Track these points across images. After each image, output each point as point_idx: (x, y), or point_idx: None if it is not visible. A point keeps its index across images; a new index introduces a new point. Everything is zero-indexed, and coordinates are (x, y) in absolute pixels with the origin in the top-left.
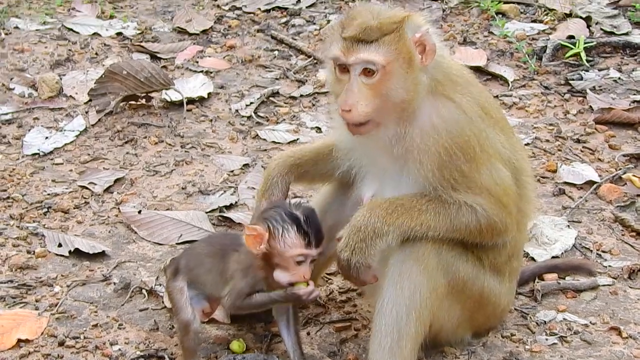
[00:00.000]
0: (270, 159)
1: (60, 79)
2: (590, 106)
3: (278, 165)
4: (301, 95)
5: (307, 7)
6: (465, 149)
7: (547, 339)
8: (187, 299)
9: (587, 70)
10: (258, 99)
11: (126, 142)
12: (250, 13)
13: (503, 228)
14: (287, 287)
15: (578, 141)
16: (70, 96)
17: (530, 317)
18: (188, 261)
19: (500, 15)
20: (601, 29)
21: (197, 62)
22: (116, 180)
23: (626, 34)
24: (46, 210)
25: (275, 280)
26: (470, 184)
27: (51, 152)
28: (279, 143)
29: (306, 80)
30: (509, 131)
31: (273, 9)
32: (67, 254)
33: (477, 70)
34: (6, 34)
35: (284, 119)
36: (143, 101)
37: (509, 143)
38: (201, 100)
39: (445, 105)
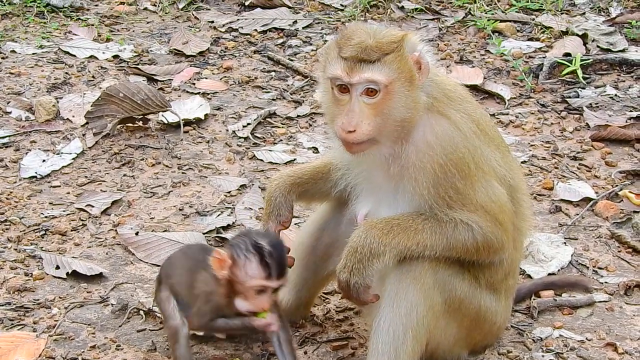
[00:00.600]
0: (269, 179)
1: (57, 102)
2: (587, 123)
3: (279, 185)
4: (298, 116)
5: (303, 28)
6: (460, 166)
7: (543, 356)
8: (175, 307)
9: (583, 88)
10: (255, 120)
11: (123, 164)
12: (246, 34)
13: (499, 245)
14: (247, 315)
15: (574, 158)
16: (67, 119)
17: (527, 334)
18: (166, 270)
19: (497, 34)
20: (597, 46)
21: (194, 83)
22: (113, 202)
23: (622, 50)
24: (44, 232)
25: (237, 308)
26: (465, 201)
27: (48, 175)
28: (276, 164)
29: (303, 101)
30: (504, 148)
31: (270, 30)
32: (64, 276)
33: (474, 88)
34: (3, 57)
35: (281, 140)
36: (140, 123)
37: (504, 161)
38: (198, 121)
39: (440, 122)
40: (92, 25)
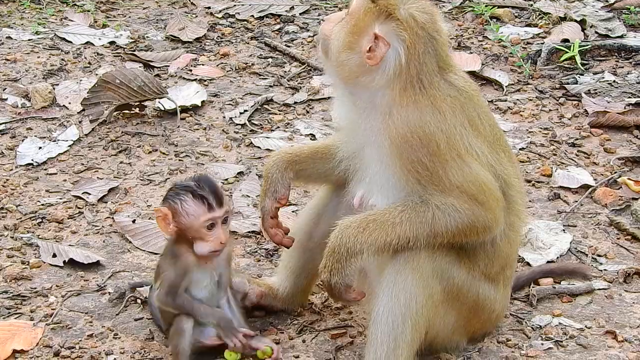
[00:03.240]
0: (268, 156)
1: (53, 88)
2: (585, 110)
3: (276, 162)
4: (295, 103)
5: (300, 14)
6: (425, 142)
7: (542, 344)
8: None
9: (582, 74)
10: (252, 106)
11: (120, 152)
12: (243, 20)
13: (485, 226)
14: (210, 255)
15: (573, 145)
16: (64, 106)
17: (526, 322)
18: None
19: (495, 20)
20: (596, 32)
21: (191, 70)
22: (110, 190)
23: (621, 36)
24: (40, 220)
25: (199, 254)
26: (434, 179)
27: (45, 162)
28: (273, 150)
29: (300, 88)
30: (498, 147)
31: (266, 16)
32: (61, 264)
33: (472, 75)
34: None
35: (278, 127)
36: (136, 110)
37: (495, 157)
38: (195, 108)
39: (420, 103)
40: (88, 11)
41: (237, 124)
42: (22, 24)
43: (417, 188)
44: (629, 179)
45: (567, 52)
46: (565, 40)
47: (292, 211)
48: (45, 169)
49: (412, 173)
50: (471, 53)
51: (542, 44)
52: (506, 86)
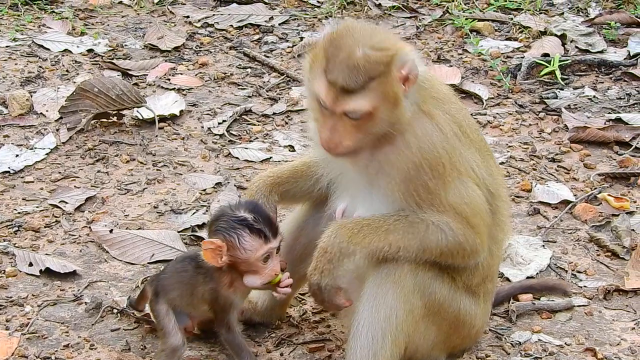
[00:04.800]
0: (249, 182)
1: (31, 96)
2: (565, 125)
3: (259, 187)
4: (274, 113)
5: (279, 24)
6: (434, 165)
7: None
8: (175, 324)
9: (562, 89)
10: (230, 117)
11: (97, 160)
12: (222, 30)
13: (472, 249)
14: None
15: (553, 160)
16: (41, 113)
17: (505, 338)
18: (163, 285)
19: (475, 33)
20: (576, 47)
21: (169, 79)
22: (87, 199)
23: (601, 52)
24: (17, 229)
25: (250, 286)
26: (435, 201)
27: (22, 170)
28: (251, 162)
29: (279, 98)
30: (485, 152)
31: (245, 26)
32: (37, 274)
33: (451, 88)
34: None
35: (257, 137)
36: (114, 119)
37: (485, 165)
38: (173, 118)
39: (423, 123)
40: (67, 18)
41: (215, 134)
42: (0, 31)
43: (413, 206)
44: (609, 195)
45: (547, 67)
46: (546, 55)
47: None
48: (22, 177)
49: (413, 196)
50: (451, 66)
51: (522, 58)
52: (486, 100)
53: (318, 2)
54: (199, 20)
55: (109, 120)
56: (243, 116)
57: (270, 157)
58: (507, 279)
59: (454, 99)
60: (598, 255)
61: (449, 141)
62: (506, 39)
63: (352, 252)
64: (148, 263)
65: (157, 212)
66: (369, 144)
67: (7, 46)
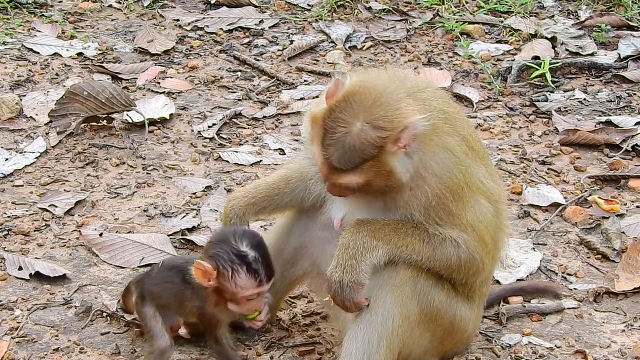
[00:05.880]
0: (226, 200)
1: (21, 99)
2: (556, 127)
3: (233, 207)
4: (264, 117)
5: (269, 28)
6: (454, 189)
7: None
8: (163, 326)
9: (552, 91)
10: (220, 120)
11: (87, 164)
12: (212, 33)
13: (480, 266)
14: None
15: (543, 163)
16: (31, 117)
17: (495, 341)
18: (150, 288)
19: (465, 36)
20: (566, 50)
21: (159, 82)
22: (77, 203)
23: (592, 54)
24: (6, 232)
25: (230, 310)
26: (455, 221)
27: (11, 174)
28: (241, 165)
29: (269, 102)
30: (487, 159)
31: (235, 29)
32: (27, 277)
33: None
34: None
35: (247, 141)
36: (104, 122)
37: (489, 173)
38: (163, 121)
39: (435, 153)
40: (56, 22)
41: (205, 138)
42: None
43: (432, 225)
44: (599, 197)
45: (537, 70)
46: (536, 58)
47: (261, 226)
48: (11, 181)
49: (433, 219)
50: (441, 69)
51: (513, 60)
52: (476, 103)
53: (308, 5)
54: (189, 24)
55: (99, 124)
56: (233, 119)
57: (260, 161)
58: (498, 282)
59: (456, 112)
60: (588, 257)
61: (462, 162)
62: (497, 42)
63: (375, 247)
64: (138, 267)
65: (147, 216)
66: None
67: None
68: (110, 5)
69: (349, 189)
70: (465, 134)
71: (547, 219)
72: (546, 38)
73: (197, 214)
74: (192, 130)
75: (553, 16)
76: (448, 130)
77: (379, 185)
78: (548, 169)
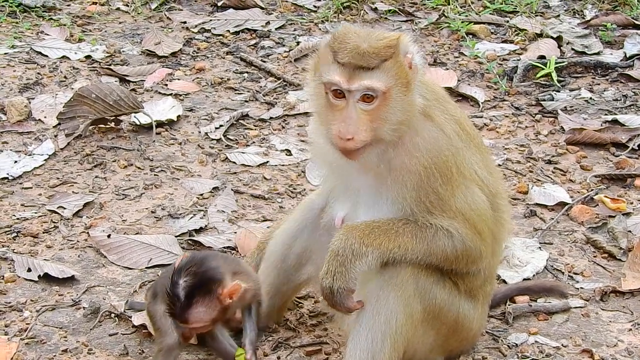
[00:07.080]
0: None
1: (29, 102)
2: (562, 127)
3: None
4: (271, 118)
5: (276, 29)
6: (443, 170)
7: None
8: (172, 323)
9: (558, 91)
10: (227, 121)
11: (95, 166)
12: (219, 35)
13: (478, 255)
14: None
15: (549, 162)
16: (39, 120)
17: (502, 340)
18: (162, 285)
19: (471, 36)
20: (572, 49)
21: (166, 85)
22: (85, 204)
23: (597, 53)
24: (15, 234)
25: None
26: (445, 207)
27: (20, 176)
28: (248, 166)
29: (276, 103)
30: (483, 149)
31: (242, 31)
32: (36, 279)
33: (448, 91)
34: None
35: (254, 142)
36: (112, 124)
37: (484, 163)
38: (170, 123)
39: (426, 124)
40: (65, 25)
41: (212, 139)
42: None
43: (422, 213)
44: (605, 196)
45: (543, 69)
46: (542, 57)
47: (267, 227)
48: (20, 183)
49: (423, 202)
50: (447, 69)
51: (519, 60)
52: (482, 102)
53: (314, 6)
54: (196, 26)
55: (107, 126)
56: (240, 121)
57: (267, 162)
58: (504, 281)
59: (449, 98)
60: (595, 256)
61: (453, 142)
62: (502, 42)
63: (364, 254)
64: (146, 268)
65: (155, 217)
66: (384, 139)
67: (5, 53)
68: (117, 8)
69: (364, 124)
70: (458, 116)
71: (553, 218)
72: (552, 37)
73: (204, 215)
74: (200, 132)
75: (559, 16)
76: (440, 107)
77: (397, 105)
78: (554, 168)
